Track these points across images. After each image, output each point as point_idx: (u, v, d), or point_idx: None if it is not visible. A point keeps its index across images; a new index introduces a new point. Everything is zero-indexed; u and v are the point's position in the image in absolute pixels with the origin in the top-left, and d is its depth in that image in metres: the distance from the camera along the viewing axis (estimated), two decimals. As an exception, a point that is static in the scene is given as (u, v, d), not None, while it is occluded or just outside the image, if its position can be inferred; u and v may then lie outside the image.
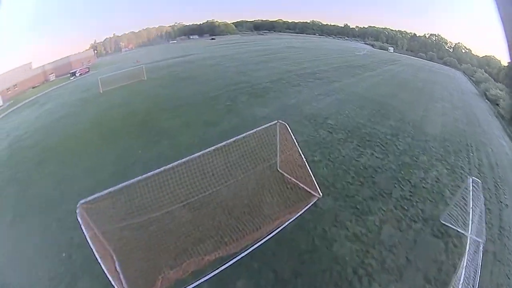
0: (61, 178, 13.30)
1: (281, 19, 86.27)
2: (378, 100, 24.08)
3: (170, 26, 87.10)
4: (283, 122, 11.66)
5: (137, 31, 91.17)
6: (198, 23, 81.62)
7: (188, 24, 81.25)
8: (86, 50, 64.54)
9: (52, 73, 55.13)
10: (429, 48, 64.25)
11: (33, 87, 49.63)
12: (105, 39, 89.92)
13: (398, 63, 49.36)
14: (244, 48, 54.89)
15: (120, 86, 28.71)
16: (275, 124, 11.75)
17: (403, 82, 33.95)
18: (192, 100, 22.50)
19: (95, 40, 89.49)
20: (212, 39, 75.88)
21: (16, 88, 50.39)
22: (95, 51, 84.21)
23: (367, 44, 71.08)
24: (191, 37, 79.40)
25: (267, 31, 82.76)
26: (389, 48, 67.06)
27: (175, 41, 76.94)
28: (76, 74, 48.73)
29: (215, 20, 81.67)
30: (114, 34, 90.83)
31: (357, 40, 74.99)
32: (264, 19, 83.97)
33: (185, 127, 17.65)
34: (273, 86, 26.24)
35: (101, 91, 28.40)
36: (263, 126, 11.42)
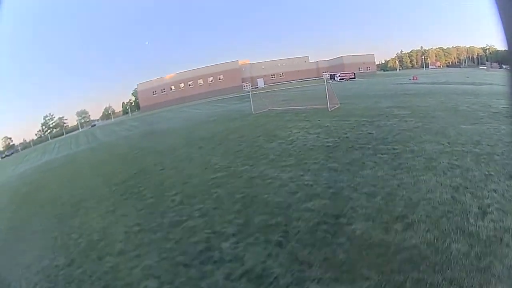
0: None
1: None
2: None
3: (481, 48, 71.36)
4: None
5: (445, 48, 77.89)
6: None
7: None
8: (366, 54, 59.72)
9: (327, 71, 55.88)
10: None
11: (301, 80, 54.32)
12: (411, 50, 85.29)
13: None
14: None
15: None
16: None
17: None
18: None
19: (401, 50, 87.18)
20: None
21: (282, 77, 57.50)
22: (399, 61, 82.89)
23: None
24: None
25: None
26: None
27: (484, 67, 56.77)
28: (336, 78, 46.93)
29: None
30: (421, 47, 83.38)
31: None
32: None
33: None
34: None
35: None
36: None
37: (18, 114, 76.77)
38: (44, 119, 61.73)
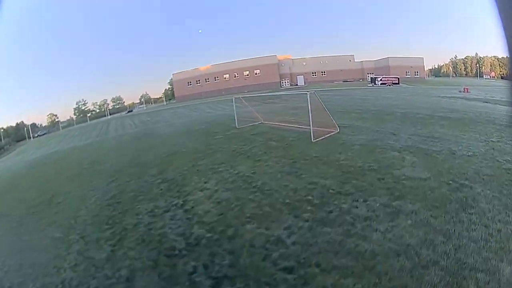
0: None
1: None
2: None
3: None
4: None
5: (500, 57, 71.22)
6: None
7: None
8: (414, 57, 54.18)
9: (372, 72, 52.01)
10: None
11: (343, 81, 50.35)
12: (465, 57, 78.13)
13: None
14: None
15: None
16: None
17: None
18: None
19: (455, 55, 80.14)
20: None
21: (323, 75, 53.59)
22: (452, 67, 75.74)
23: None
24: None
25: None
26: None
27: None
28: (377, 82, 42.60)
29: None
30: (476, 54, 76.19)
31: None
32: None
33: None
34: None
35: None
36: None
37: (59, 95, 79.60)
38: (76, 104, 62.89)
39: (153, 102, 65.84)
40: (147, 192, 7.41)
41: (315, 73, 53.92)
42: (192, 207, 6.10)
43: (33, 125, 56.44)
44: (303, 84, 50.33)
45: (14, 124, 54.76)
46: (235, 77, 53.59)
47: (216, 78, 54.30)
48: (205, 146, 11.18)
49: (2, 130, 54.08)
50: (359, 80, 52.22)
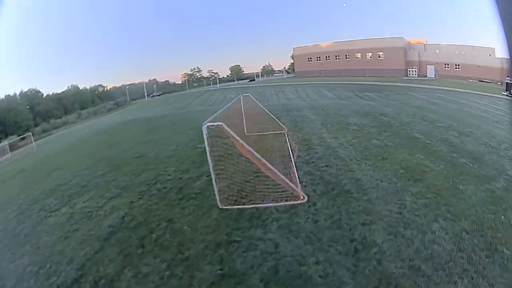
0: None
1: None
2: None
3: None
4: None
5: None
6: None
7: None
8: None
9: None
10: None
11: (479, 80, 46.09)
12: None
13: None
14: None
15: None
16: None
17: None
18: None
19: None
20: None
21: (457, 69, 48.64)
22: None
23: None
24: None
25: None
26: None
27: None
28: None
29: None
30: None
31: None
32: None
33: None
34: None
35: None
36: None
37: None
38: (191, 70, 69.07)
39: (270, 75, 68.64)
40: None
41: (447, 64, 49.85)
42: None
43: (167, 83, 65.17)
44: (433, 76, 47.89)
45: (147, 81, 61.79)
46: (356, 58, 53.08)
47: (337, 57, 54.72)
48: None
49: (127, 86, 60.33)
50: (497, 83, 47.43)
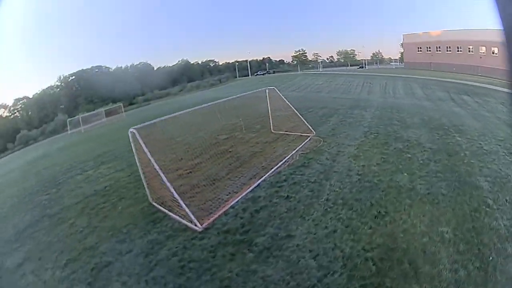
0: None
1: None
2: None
3: None
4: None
5: None
6: None
7: None
8: None
9: None
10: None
11: None
12: None
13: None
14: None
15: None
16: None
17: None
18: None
19: None
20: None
21: None
22: None
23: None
24: None
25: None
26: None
27: None
28: None
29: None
30: None
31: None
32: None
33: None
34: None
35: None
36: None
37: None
38: (295, 52, 68.87)
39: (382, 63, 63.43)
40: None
41: None
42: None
43: (281, 62, 67.10)
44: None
45: (260, 58, 64.83)
46: (469, 51, 43.49)
47: (448, 49, 46.26)
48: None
49: (237, 63, 64.38)
50: None
